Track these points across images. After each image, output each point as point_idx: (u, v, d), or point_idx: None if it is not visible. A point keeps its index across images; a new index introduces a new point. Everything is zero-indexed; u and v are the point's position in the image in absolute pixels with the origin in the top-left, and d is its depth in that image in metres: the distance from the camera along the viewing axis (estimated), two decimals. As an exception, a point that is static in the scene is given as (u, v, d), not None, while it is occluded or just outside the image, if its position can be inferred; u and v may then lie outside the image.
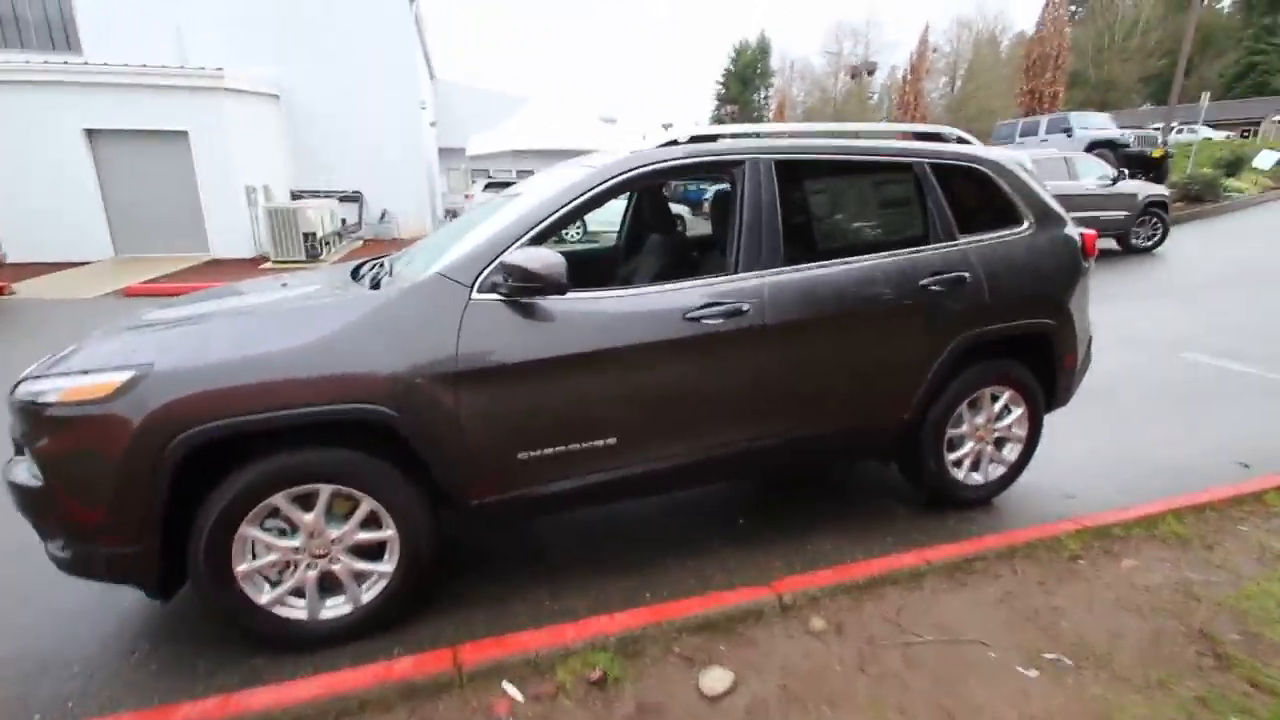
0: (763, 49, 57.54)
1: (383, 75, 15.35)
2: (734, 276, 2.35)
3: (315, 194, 14.69)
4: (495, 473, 2.14)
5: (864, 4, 67.15)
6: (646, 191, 3.36)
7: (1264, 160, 18.16)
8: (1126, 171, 10.99)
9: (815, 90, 53.93)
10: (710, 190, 19.99)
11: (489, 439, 2.09)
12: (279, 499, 1.96)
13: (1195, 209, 14.23)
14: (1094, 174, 10.36)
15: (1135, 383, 4.79)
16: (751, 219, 2.38)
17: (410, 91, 15.95)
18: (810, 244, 2.54)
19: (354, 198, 15.70)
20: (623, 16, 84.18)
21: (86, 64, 12.04)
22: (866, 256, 2.55)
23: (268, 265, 11.55)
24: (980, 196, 2.86)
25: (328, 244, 12.46)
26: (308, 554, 2.03)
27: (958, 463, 2.93)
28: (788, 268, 2.41)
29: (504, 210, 2.40)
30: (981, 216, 2.83)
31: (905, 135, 2.91)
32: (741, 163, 2.41)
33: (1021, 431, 3.00)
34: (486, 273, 2.08)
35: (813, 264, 2.46)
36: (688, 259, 3.13)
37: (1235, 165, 17.35)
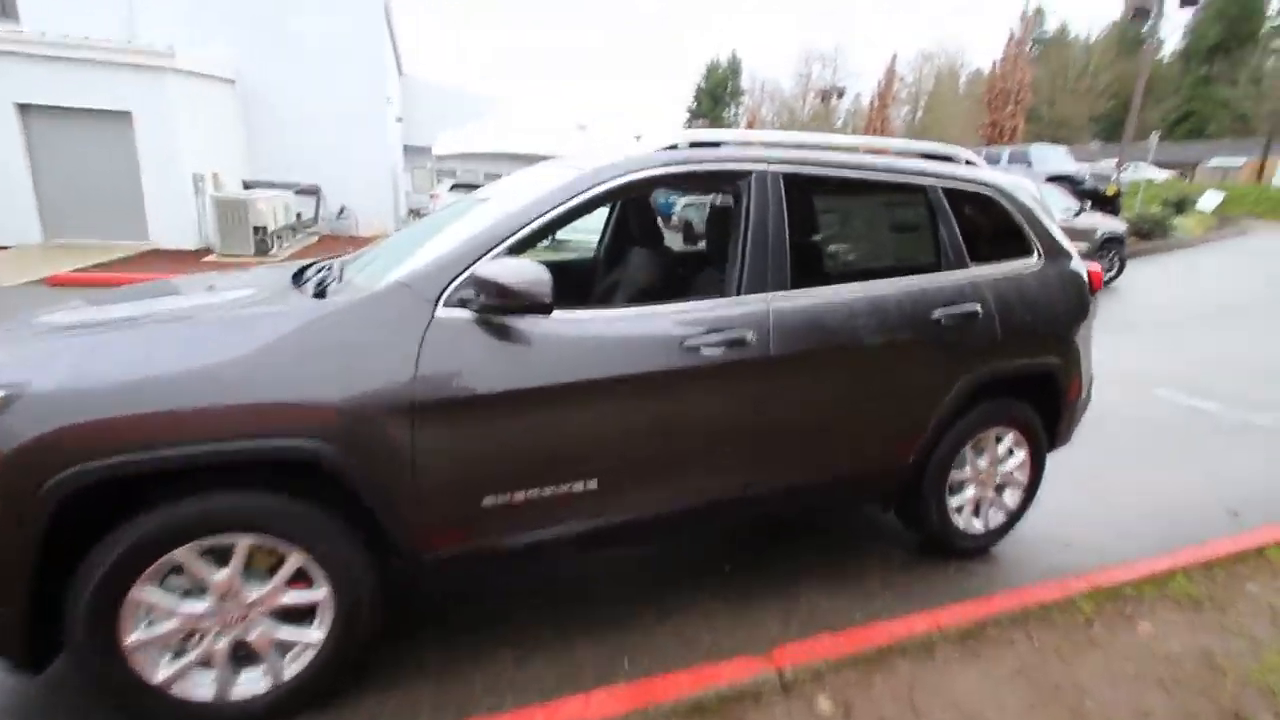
0: (734, 68, 58.26)
1: (348, 66, 14.73)
2: (736, 300, 2.08)
3: (270, 185, 13.94)
4: (456, 520, 1.82)
5: (831, 31, 68.80)
6: (633, 200, 3.08)
7: (1208, 202, 19.02)
8: (1089, 204, 11.25)
9: (784, 111, 54.80)
10: (679, 203, 19.97)
11: (450, 481, 1.77)
12: (184, 553, 1.59)
13: (1146, 245, 14.73)
14: (1059, 206, 10.55)
15: (1112, 420, 4.72)
16: (757, 236, 2.12)
17: (376, 84, 15.38)
18: (817, 267, 2.30)
19: (311, 191, 14.98)
20: (597, 27, 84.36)
21: (20, 32, 11.16)
22: (875, 283, 2.32)
23: (212, 258, 10.85)
24: (991, 224, 2.67)
25: (280, 238, 11.81)
26: (219, 619, 1.67)
27: (958, 509, 2.72)
28: (794, 292, 2.16)
29: (477, 212, 2.09)
30: (991, 246, 2.64)
31: (918, 154, 2.71)
32: (748, 174, 2.15)
33: (1024, 476, 2.82)
34: (455, 285, 1.76)
35: (818, 289, 2.21)
36: (676, 277, 2.86)
37: (1181, 205, 18.11)
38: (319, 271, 2.28)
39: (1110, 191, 15.24)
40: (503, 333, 1.77)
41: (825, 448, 2.31)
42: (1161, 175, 26.68)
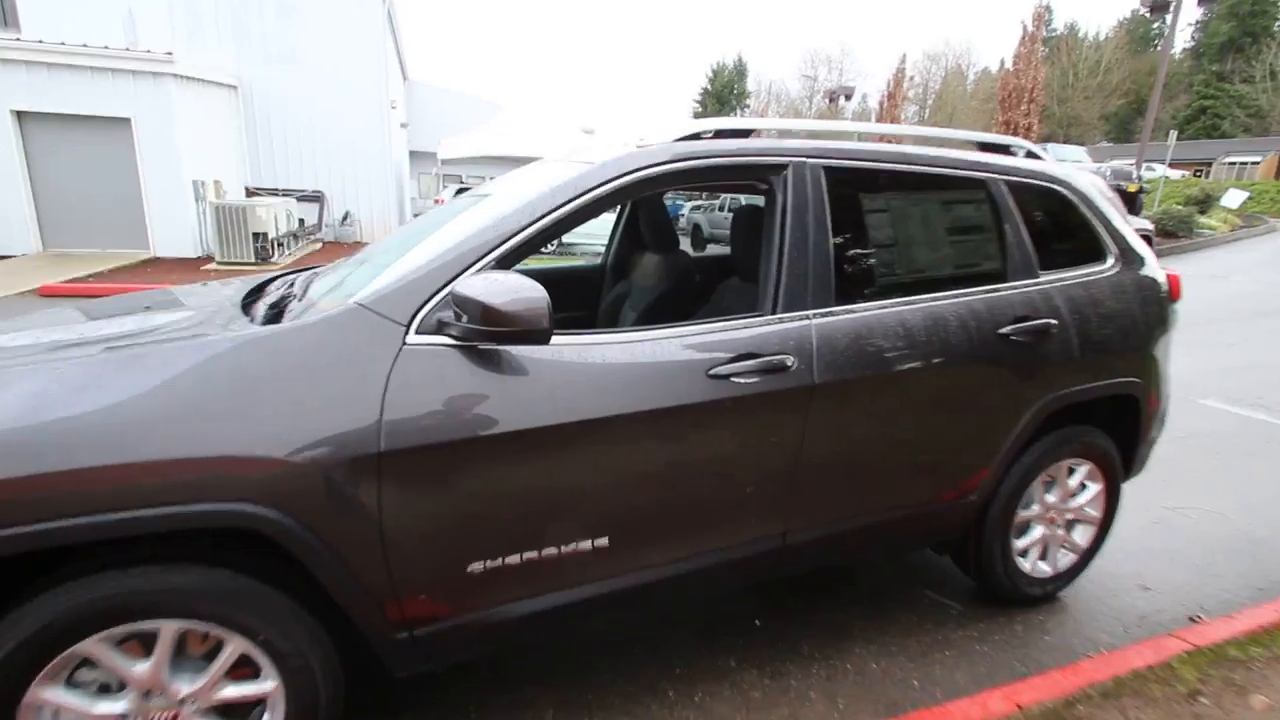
0: (740, 71, 57.95)
1: (351, 71, 14.52)
2: (772, 318, 1.74)
3: (273, 192, 13.75)
4: (435, 593, 1.49)
5: (837, 33, 68.31)
6: (647, 198, 2.75)
7: (1232, 199, 18.48)
8: (1114, 204, 10.82)
9: (791, 113, 54.41)
10: (685, 207, 19.60)
11: (427, 546, 1.44)
12: (94, 644, 1.27)
13: (1172, 244, 14.27)
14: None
15: (1162, 436, 4.34)
16: (796, 241, 1.78)
17: (379, 89, 15.15)
18: (865, 277, 1.95)
19: (314, 197, 14.78)
20: (602, 30, 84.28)
21: (18, 39, 11.00)
22: (934, 295, 1.97)
23: (211, 266, 10.62)
24: (1060, 225, 2.32)
25: (281, 245, 11.56)
26: (141, 722, 1.34)
27: (1024, 551, 2.36)
28: (839, 308, 1.81)
29: (465, 216, 1.76)
30: (1061, 250, 2.29)
31: (970, 145, 2.36)
32: (784, 167, 1.81)
33: (1097, 511, 2.46)
34: (430, 307, 1.43)
35: (869, 303, 1.87)
36: (695, 290, 2.53)
37: (1205, 203, 17.60)
38: (283, 288, 1.96)
39: (1131, 189, 14.81)
40: (491, 363, 1.44)
41: (876, 488, 1.96)
42: (1176, 174, 26.13)
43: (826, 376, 1.73)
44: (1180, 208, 16.18)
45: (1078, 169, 2.46)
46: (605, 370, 1.54)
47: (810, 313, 1.77)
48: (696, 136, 1.81)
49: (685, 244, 2.93)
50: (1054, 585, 2.46)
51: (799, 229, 1.78)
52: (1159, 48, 47.24)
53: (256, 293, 1.91)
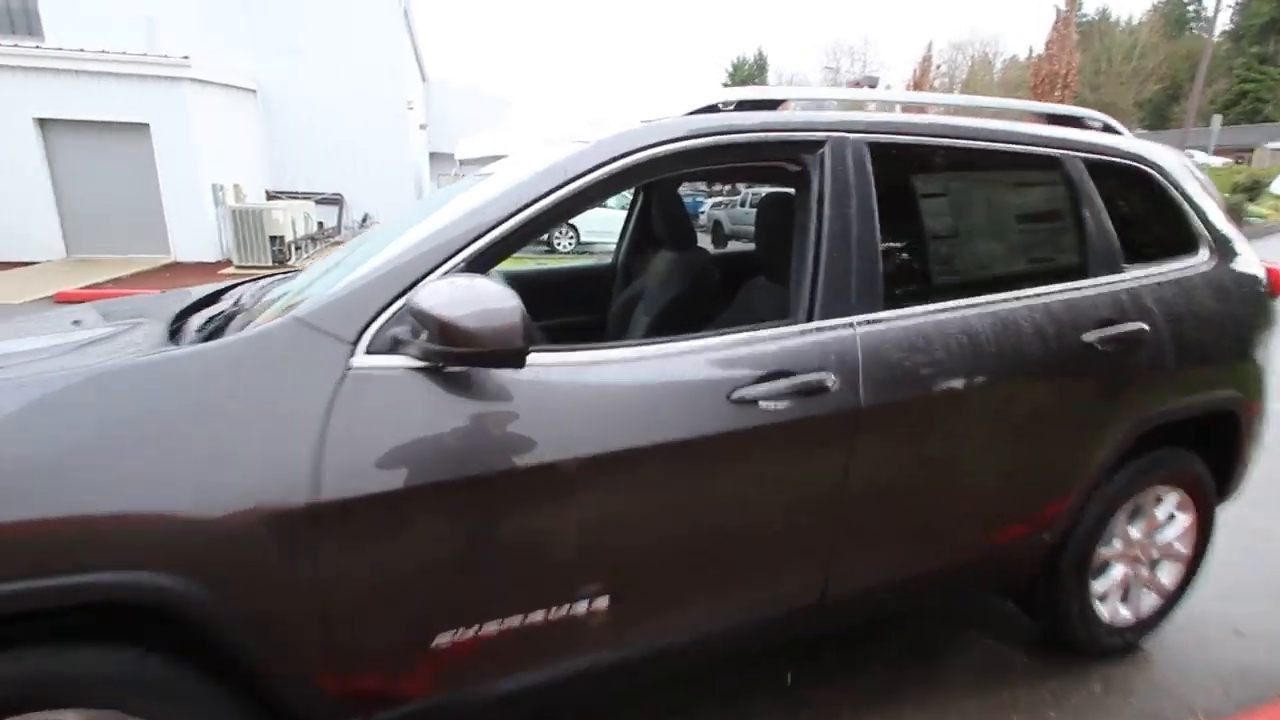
0: (760, 65, 57.24)
1: (369, 72, 14.46)
2: (808, 327, 1.43)
3: (293, 195, 13.72)
4: (393, 670, 1.21)
5: (859, 24, 67.19)
6: (660, 188, 2.45)
7: (1282, 186, 17.60)
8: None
9: (814, 106, 53.57)
10: (706, 204, 19.11)
11: (382, 616, 1.16)
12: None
13: (1220, 235, 13.56)
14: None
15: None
16: (836, 232, 1.46)
17: (397, 90, 15.07)
18: (920, 275, 1.63)
19: (334, 200, 14.75)
20: (622, 27, 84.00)
21: (38, 48, 11.07)
22: (1003, 296, 1.64)
23: (229, 270, 10.56)
24: (1146, 211, 1.97)
25: (299, 248, 11.48)
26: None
27: (1103, 595, 2.02)
28: (889, 313, 1.50)
29: (440, 210, 1.48)
30: (1147, 240, 1.94)
31: (1033, 117, 2.02)
32: (820, 143, 1.50)
33: (1186, 546, 2.10)
34: (384, 320, 1.15)
35: (926, 306, 1.55)
36: (713, 292, 2.23)
37: (1254, 190, 16.75)
38: (238, 297, 1.69)
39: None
40: (461, 389, 1.15)
41: (934, 530, 1.64)
42: (1218, 161, 25.00)
43: (875, 398, 1.42)
44: (1228, 195, 15.40)
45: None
46: (604, 395, 1.25)
47: (854, 319, 1.45)
48: (714, 109, 1.50)
49: (705, 244, 2.63)
50: (1135, 633, 2.11)
51: (839, 218, 1.47)
52: (1194, 31, 45.60)
53: (192, 310, 1.63)
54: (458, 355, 1.06)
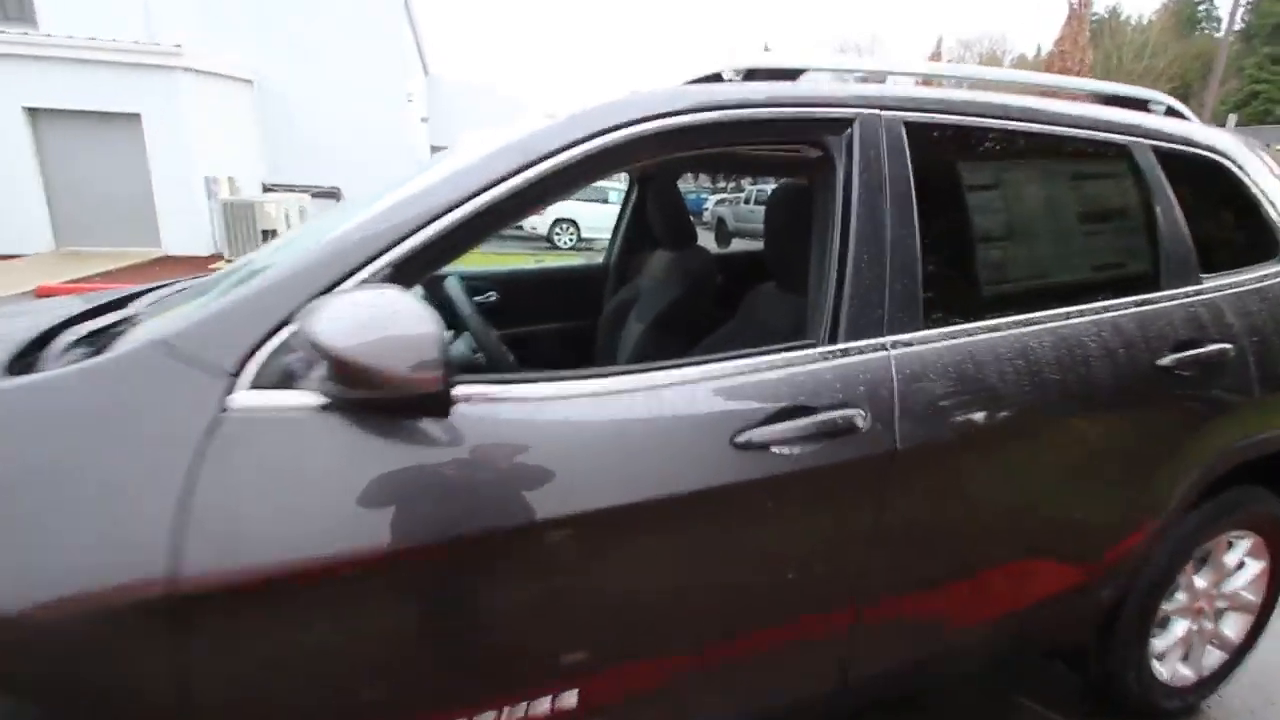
0: (768, 60, 56.76)
1: (368, 64, 14.21)
2: (830, 349, 1.15)
3: (290, 188, 13.46)
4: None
5: (866, 23, 66.65)
6: (658, 179, 2.17)
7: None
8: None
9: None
10: (710, 200, 18.64)
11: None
12: None
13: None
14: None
15: None
16: (868, 233, 1.18)
17: (397, 83, 14.81)
18: (966, 286, 1.35)
19: (330, 193, 14.46)
20: (626, 22, 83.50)
21: (26, 34, 10.81)
22: (1063, 311, 1.36)
23: (220, 264, 10.31)
24: (1222, 210, 1.69)
25: (292, 243, 11.21)
26: None
27: (1162, 654, 1.75)
28: (930, 333, 1.22)
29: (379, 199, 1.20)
30: (1223, 244, 1.66)
31: (1086, 98, 1.73)
32: (847, 122, 1.21)
33: (1255, 596, 1.83)
34: (275, 345, 0.88)
35: (973, 325, 1.27)
36: (719, 294, 1.95)
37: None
38: (133, 309, 1.40)
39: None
40: (382, 434, 0.88)
41: (978, 594, 1.37)
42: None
43: (914, 439, 1.14)
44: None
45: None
46: (568, 437, 0.97)
47: (888, 340, 1.17)
48: (717, 78, 1.22)
49: (707, 243, 2.36)
50: (1196, 695, 1.84)
51: (871, 214, 1.19)
52: (1204, 30, 45.05)
53: (99, 313, 1.34)
54: (359, 401, 0.79)
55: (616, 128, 1.06)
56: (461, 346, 1.40)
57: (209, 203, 11.49)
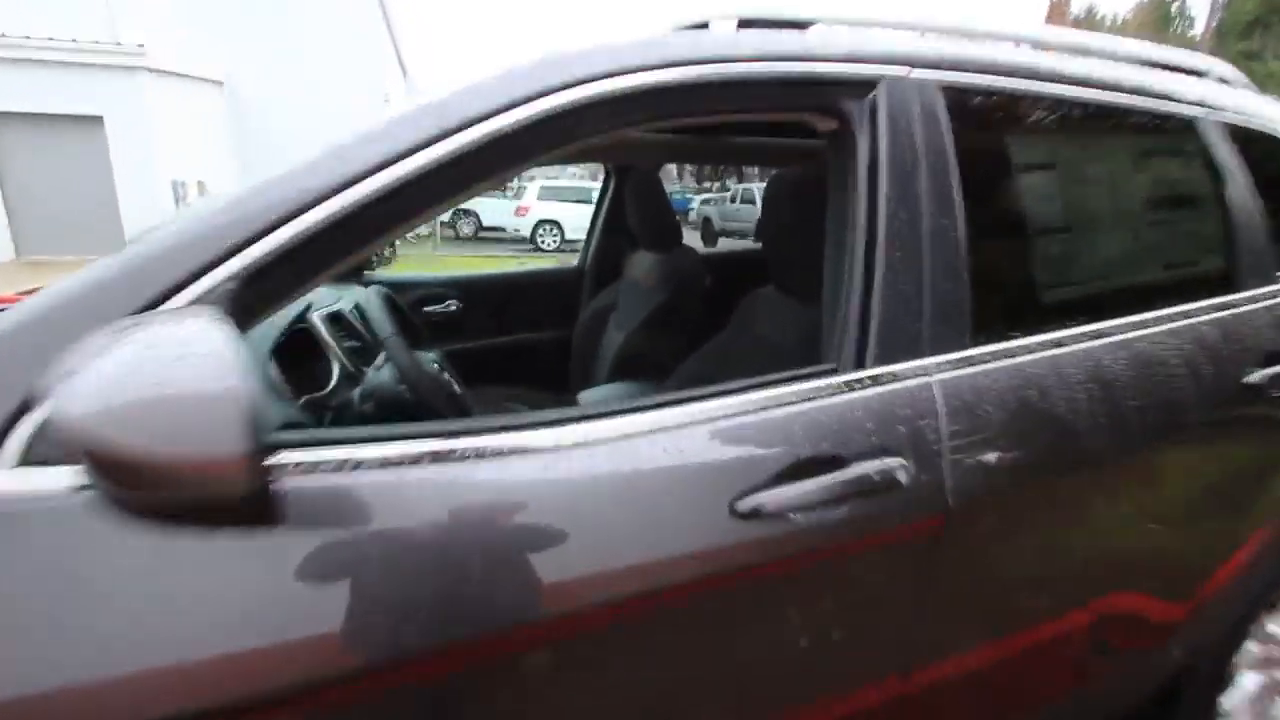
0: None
1: (344, 65, 13.85)
2: (857, 377, 0.88)
3: (261, 192, 13.04)
4: None
5: (840, 13, 66.66)
6: (637, 170, 1.90)
7: None
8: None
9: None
10: (694, 201, 18.24)
11: None
12: None
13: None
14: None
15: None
16: (899, 226, 0.91)
17: (373, 85, 14.43)
18: (1023, 289, 1.08)
19: (303, 198, 14.09)
20: (613, 20, 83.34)
21: (-22, 34, 10.35)
22: (1135, 320, 1.10)
23: (187, 272, 9.91)
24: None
25: (263, 249, 10.82)
26: None
27: (1229, 711, 1.50)
28: (981, 350, 0.95)
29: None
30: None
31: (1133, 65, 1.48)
32: (870, 84, 0.94)
33: (1331, 639, 1.58)
34: (29, 427, 0.58)
35: (1033, 339, 1.00)
36: (709, 298, 1.69)
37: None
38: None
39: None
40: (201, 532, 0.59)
41: (1034, 675, 1.10)
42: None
43: (969, 491, 0.87)
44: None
45: None
46: (506, 521, 0.69)
47: (931, 362, 0.90)
48: (704, 27, 0.95)
49: (695, 243, 2.09)
50: (1268, 756, 1.59)
51: (903, 202, 0.92)
52: (1179, 29, 45.72)
53: None
54: (128, 500, 0.50)
55: (566, 85, 0.78)
56: (384, 377, 1.11)
57: (177, 208, 11.08)
